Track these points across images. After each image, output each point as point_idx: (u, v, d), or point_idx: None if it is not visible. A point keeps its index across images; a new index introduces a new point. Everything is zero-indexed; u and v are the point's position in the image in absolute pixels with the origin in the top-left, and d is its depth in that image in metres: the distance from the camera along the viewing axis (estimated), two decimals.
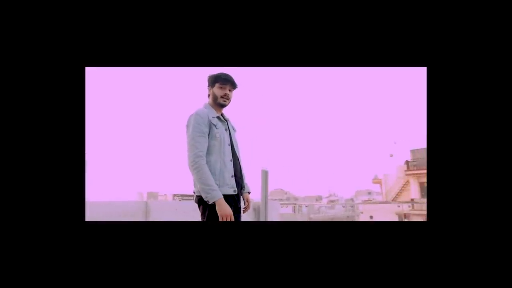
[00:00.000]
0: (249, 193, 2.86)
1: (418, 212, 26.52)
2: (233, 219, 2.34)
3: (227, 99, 2.64)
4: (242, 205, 2.74)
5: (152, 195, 35.49)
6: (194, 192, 2.59)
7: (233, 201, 2.51)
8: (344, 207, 29.39)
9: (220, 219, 2.32)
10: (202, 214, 2.50)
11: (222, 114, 2.73)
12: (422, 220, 23.82)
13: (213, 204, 2.38)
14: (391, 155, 34.61)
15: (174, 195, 32.16)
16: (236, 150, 2.71)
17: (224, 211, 2.33)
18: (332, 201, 51.57)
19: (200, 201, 2.50)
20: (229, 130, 2.71)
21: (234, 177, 2.56)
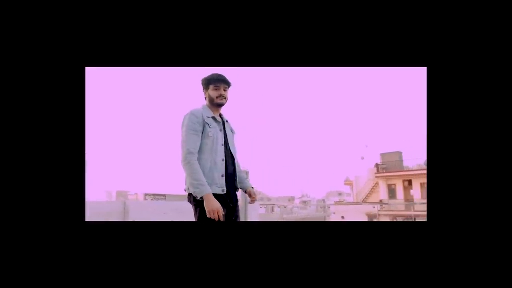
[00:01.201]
0: (252, 187, 2.89)
1: (386, 213, 27.34)
2: (221, 214, 2.35)
3: (223, 98, 2.68)
4: (247, 199, 2.77)
5: (121, 194, 34.31)
6: (185, 190, 2.60)
7: (223, 200, 2.52)
8: (322, 207, 29.83)
9: (208, 215, 2.34)
10: (195, 214, 2.53)
11: (220, 115, 2.78)
12: (389, 220, 24.60)
13: (203, 204, 2.41)
14: (362, 158, 35.29)
15: (146, 194, 31.28)
16: (232, 151, 2.75)
17: (212, 206, 2.35)
18: (304, 201, 51.92)
19: (192, 199, 2.53)
20: (225, 131, 2.74)
21: (224, 177, 2.58)
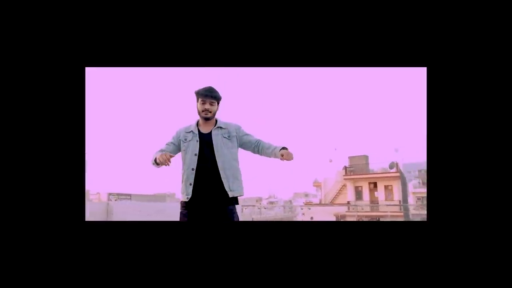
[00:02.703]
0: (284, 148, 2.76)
1: (353, 214, 28.02)
2: (167, 155, 2.54)
3: (209, 112, 2.76)
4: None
5: None
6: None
7: (190, 206, 2.68)
8: (302, 209, 30.32)
9: (162, 163, 2.55)
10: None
11: (217, 121, 2.85)
12: (356, 220, 25.30)
13: (182, 208, 2.72)
14: (331, 161, 35.75)
15: (110, 194, 29.78)
16: (218, 158, 2.73)
17: (158, 158, 2.56)
18: (271, 202, 51.89)
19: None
20: (211, 140, 2.77)
21: (192, 185, 2.68)
